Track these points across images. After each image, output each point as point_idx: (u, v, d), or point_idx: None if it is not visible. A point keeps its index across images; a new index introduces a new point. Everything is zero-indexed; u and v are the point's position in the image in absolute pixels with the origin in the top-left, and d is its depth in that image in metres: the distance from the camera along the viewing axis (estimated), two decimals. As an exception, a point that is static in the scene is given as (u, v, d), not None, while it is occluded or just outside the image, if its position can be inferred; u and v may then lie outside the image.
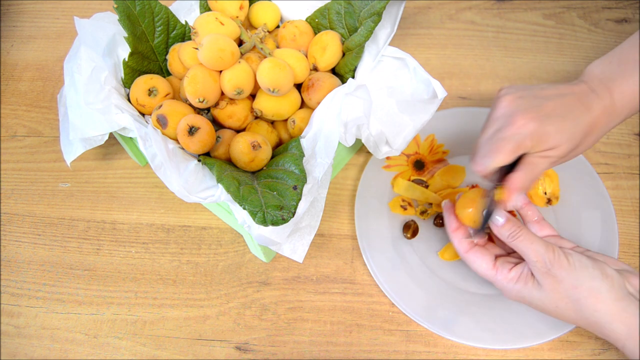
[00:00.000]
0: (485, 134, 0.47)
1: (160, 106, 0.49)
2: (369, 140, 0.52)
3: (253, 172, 0.49)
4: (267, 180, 0.46)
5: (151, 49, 0.54)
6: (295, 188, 0.44)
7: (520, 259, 0.48)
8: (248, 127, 0.53)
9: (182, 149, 0.49)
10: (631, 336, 0.42)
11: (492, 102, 0.49)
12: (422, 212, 0.58)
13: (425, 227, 0.58)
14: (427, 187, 0.59)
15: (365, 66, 0.53)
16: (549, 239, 0.49)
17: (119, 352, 0.53)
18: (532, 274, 0.45)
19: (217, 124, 0.53)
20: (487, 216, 0.47)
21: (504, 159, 0.45)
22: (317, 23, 0.56)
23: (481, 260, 0.48)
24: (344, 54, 0.55)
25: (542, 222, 0.50)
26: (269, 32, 0.57)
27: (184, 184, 0.45)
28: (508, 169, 0.47)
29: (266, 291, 0.55)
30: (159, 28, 0.54)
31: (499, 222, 0.47)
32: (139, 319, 0.54)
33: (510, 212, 0.54)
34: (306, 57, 0.54)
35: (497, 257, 0.48)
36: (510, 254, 0.50)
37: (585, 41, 0.71)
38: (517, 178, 0.46)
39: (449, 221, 0.50)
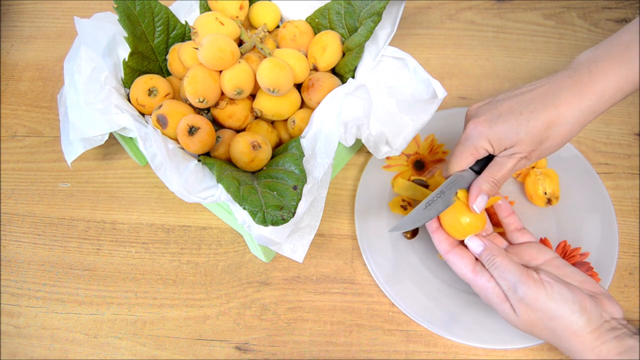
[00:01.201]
0: (457, 142, 0.50)
1: (160, 106, 0.49)
2: (369, 140, 0.52)
3: (253, 172, 0.49)
4: (267, 180, 0.46)
5: (151, 49, 0.54)
6: (295, 188, 0.44)
7: None
8: (248, 127, 0.53)
9: (182, 149, 0.49)
10: None
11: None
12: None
13: (423, 228, 0.58)
14: (427, 187, 0.59)
15: (365, 66, 0.53)
16: (529, 246, 0.49)
17: (119, 352, 0.53)
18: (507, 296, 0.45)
19: (217, 124, 0.53)
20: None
21: (462, 165, 0.48)
22: (317, 23, 0.56)
23: (460, 262, 0.47)
24: (344, 54, 0.55)
25: (523, 230, 0.50)
26: (269, 32, 0.57)
27: (184, 184, 0.45)
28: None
29: (266, 291, 0.55)
30: (159, 28, 0.54)
31: (477, 251, 0.47)
32: (139, 319, 0.54)
33: (491, 212, 0.54)
34: (306, 57, 0.54)
35: (477, 259, 0.48)
36: None
37: (585, 41, 0.71)
38: (478, 178, 0.47)
39: (430, 222, 0.50)
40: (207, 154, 0.51)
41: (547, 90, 0.46)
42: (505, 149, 0.47)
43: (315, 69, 0.55)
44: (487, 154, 0.48)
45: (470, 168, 0.49)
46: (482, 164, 0.49)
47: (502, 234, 0.52)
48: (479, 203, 0.47)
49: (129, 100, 0.53)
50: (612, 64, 0.45)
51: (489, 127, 0.47)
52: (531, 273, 0.44)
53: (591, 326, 0.42)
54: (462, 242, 0.49)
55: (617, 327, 0.43)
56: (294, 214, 0.43)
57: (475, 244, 0.47)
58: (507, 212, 0.51)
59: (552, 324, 0.43)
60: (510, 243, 0.51)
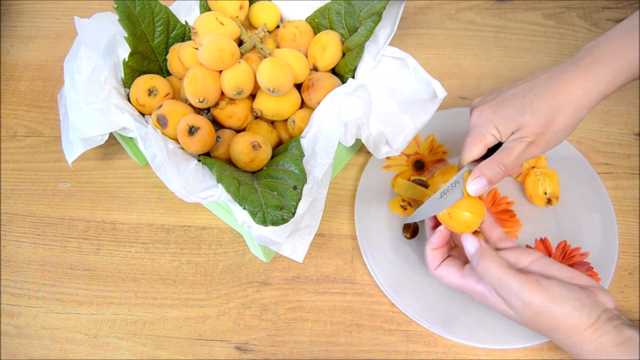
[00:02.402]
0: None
1: (160, 106, 0.49)
2: (369, 140, 0.52)
3: (253, 172, 0.49)
4: (267, 180, 0.46)
5: (151, 49, 0.54)
6: (295, 188, 0.44)
7: None
8: (248, 127, 0.53)
9: (182, 149, 0.49)
10: (597, 354, 0.42)
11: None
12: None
13: (425, 227, 0.58)
14: (427, 187, 0.59)
15: (365, 66, 0.53)
16: (513, 249, 0.48)
17: (119, 352, 0.53)
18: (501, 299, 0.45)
19: (217, 124, 0.53)
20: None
21: (472, 154, 0.48)
22: (317, 23, 0.56)
23: (449, 274, 0.47)
24: (344, 54, 0.55)
25: (504, 237, 0.50)
26: (269, 32, 0.57)
27: (184, 184, 0.45)
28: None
29: (266, 291, 0.55)
30: (159, 28, 0.54)
31: (470, 252, 0.46)
32: (139, 319, 0.54)
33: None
34: (306, 57, 0.54)
35: (465, 263, 0.48)
36: None
37: (585, 41, 0.71)
38: (483, 163, 0.47)
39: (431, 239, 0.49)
40: (207, 154, 0.51)
41: (550, 76, 0.47)
42: (512, 133, 0.46)
43: (315, 69, 0.55)
44: (495, 141, 0.47)
45: (483, 158, 0.48)
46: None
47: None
48: (475, 185, 0.46)
49: (129, 100, 0.53)
50: (613, 47, 0.45)
51: (493, 112, 0.47)
52: (530, 280, 0.43)
53: (590, 320, 0.42)
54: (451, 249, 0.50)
55: (613, 317, 0.43)
56: (294, 214, 0.43)
57: (471, 243, 0.46)
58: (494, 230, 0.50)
59: (554, 323, 0.43)
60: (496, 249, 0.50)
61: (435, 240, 0.48)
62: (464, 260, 0.49)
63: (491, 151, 0.48)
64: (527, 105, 0.46)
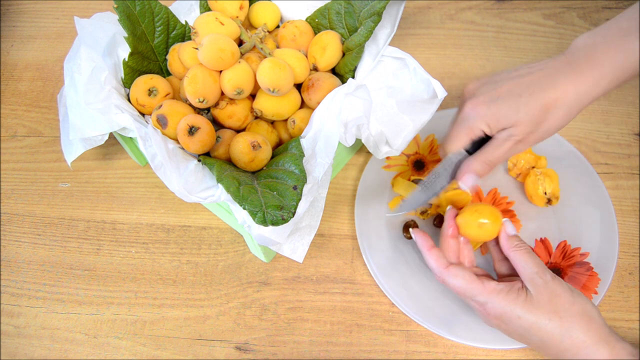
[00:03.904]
0: (454, 120, 0.50)
1: (160, 106, 0.49)
2: (369, 140, 0.52)
3: (253, 172, 0.49)
4: (267, 180, 0.46)
5: (151, 49, 0.54)
6: (295, 188, 0.44)
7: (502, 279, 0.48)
8: (248, 127, 0.53)
9: (182, 149, 0.49)
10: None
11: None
12: (422, 212, 0.58)
13: (425, 227, 0.58)
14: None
15: (365, 66, 0.53)
16: None
17: (119, 352, 0.53)
18: (524, 289, 0.45)
19: (217, 124, 0.53)
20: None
21: (458, 145, 0.49)
22: (317, 23, 0.56)
23: (463, 273, 0.47)
24: (344, 54, 0.55)
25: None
26: (269, 32, 0.57)
27: (184, 184, 0.45)
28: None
29: (266, 291, 0.55)
30: (159, 28, 0.54)
31: (512, 232, 0.48)
32: (139, 319, 0.54)
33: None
34: (306, 57, 0.54)
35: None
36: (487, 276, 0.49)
37: (585, 41, 0.71)
38: (471, 159, 0.48)
39: (423, 240, 0.49)
40: (207, 154, 0.51)
41: (546, 74, 0.46)
42: (503, 130, 0.47)
43: (315, 69, 0.55)
44: (482, 135, 0.48)
45: (465, 150, 0.49)
46: (476, 146, 0.49)
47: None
48: (467, 181, 0.48)
49: (129, 100, 0.53)
50: (610, 51, 0.45)
51: (487, 108, 0.47)
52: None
53: (602, 319, 0.44)
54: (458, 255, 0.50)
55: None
56: (294, 214, 0.43)
57: (511, 226, 0.48)
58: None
59: (571, 310, 0.43)
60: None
61: (425, 243, 0.48)
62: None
63: (473, 142, 0.49)
64: (522, 105, 0.46)
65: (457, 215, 0.50)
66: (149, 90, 0.51)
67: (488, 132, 0.48)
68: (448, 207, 0.51)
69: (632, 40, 0.45)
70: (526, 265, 0.45)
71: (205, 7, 0.57)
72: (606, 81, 0.46)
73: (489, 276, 0.49)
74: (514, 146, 0.47)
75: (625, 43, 0.45)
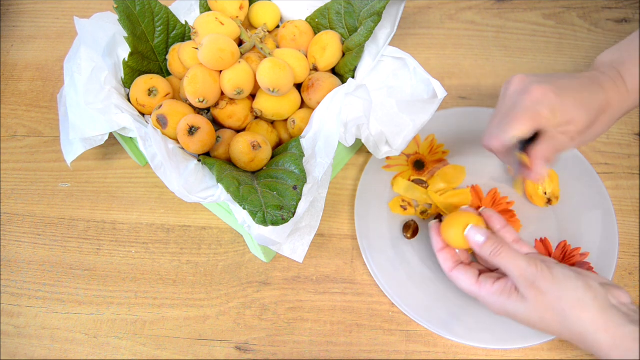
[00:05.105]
0: (499, 111, 0.47)
1: (160, 106, 0.49)
2: (369, 140, 0.52)
3: (253, 172, 0.49)
4: (267, 180, 0.46)
5: (151, 49, 0.54)
6: (295, 188, 0.44)
7: (503, 274, 0.47)
8: (248, 127, 0.53)
9: (182, 149, 0.49)
10: (616, 346, 0.41)
11: (503, 87, 0.49)
12: (422, 212, 0.58)
13: (425, 227, 0.58)
14: (427, 187, 0.59)
15: (365, 66, 0.53)
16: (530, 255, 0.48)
17: (119, 352, 0.53)
18: (515, 287, 0.45)
19: (217, 124, 0.53)
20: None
21: (522, 129, 0.45)
22: (317, 23, 0.56)
23: (465, 277, 0.47)
24: (344, 54, 0.55)
25: (521, 242, 0.49)
26: (269, 32, 0.57)
27: (184, 184, 0.45)
28: (522, 149, 0.47)
29: (266, 291, 0.55)
30: (159, 28, 0.54)
31: (480, 240, 0.47)
32: (139, 319, 0.54)
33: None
34: (306, 57, 0.54)
35: (480, 272, 0.48)
36: (493, 270, 0.49)
37: (585, 41, 0.71)
38: (539, 148, 0.46)
39: (435, 241, 0.50)
40: (207, 154, 0.51)
41: (591, 81, 0.47)
42: (559, 124, 0.45)
43: (315, 69, 0.55)
44: (540, 126, 0.46)
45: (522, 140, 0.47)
46: (524, 142, 0.47)
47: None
48: (543, 170, 0.46)
49: (129, 100, 0.53)
50: (636, 67, 0.46)
51: (557, 96, 0.45)
52: (535, 259, 0.44)
53: (599, 304, 0.42)
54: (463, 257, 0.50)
55: (629, 313, 0.42)
56: (294, 214, 0.43)
57: (478, 234, 0.47)
58: (501, 224, 0.50)
59: (560, 305, 0.43)
60: None
61: (437, 244, 0.50)
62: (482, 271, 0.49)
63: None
64: (585, 102, 0.45)
65: (439, 227, 0.50)
66: (149, 90, 0.51)
67: (549, 123, 0.45)
68: (430, 223, 0.51)
69: None
70: (508, 270, 0.45)
71: (205, 7, 0.57)
72: (637, 94, 0.47)
73: (491, 271, 0.49)
74: (569, 143, 0.46)
75: None
